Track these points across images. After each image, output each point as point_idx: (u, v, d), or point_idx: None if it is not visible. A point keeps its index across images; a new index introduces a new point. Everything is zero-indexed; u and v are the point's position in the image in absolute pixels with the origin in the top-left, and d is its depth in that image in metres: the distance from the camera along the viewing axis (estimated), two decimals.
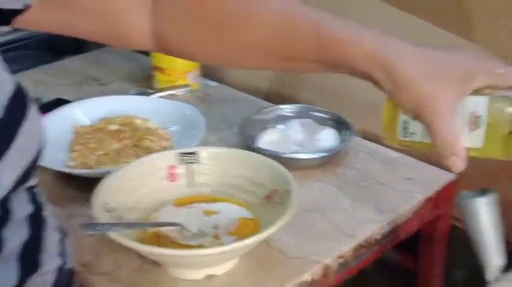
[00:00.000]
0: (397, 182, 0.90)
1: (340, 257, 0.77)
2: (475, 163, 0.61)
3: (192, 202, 0.78)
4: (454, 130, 0.59)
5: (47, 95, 1.11)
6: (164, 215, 0.75)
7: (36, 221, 0.54)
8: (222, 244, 0.69)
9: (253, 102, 1.12)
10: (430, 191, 0.89)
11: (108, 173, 0.76)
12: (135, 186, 0.76)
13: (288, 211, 0.69)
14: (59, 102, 1.05)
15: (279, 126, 0.98)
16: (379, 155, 0.97)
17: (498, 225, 0.65)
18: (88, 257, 0.75)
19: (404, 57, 0.58)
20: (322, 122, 0.99)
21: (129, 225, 0.71)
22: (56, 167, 0.86)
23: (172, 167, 0.79)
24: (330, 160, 0.93)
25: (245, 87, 1.18)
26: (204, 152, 0.80)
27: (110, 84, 1.20)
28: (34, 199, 0.54)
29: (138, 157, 0.84)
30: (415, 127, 0.63)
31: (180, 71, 1.12)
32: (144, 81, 1.19)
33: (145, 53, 1.21)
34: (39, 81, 1.21)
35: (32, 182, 0.53)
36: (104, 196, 0.71)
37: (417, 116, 0.60)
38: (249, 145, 0.93)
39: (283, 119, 1.00)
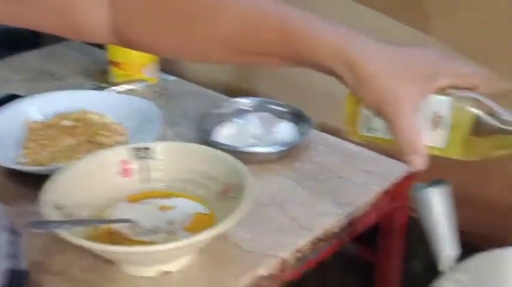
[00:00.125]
0: (355, 175, 0.90)
1: (298, 250, 0.77)
2: (433, 155, 0.61)
3: (146, 198, 0.76)
4: (415, 129, 0.59)
5: (1, 91, 1.08)
6: (117, 212, 0.74)
7: None
8: (176, 240, 0.68)
9: (212, 96, 1.11)
10: (388, 183, 0.89)
11: (58, 169, 0.74)
12: (87, 182, 0.75)
13: (243, 206, 0.68)
14: (12, 98, 1.02)
15: (236, 120, 0.97)
16: (337, 148, 0.96)
17: (451, 215, 0.65)
18: (39, 256, 0.73)
19: (368, 53, 0.58)
20: (280, 115, 0.98)
21: (80, 222, 0.70)
22: (5, 164, 0.83)
23: (125, 162, 0.78)
24: (288, 153, 0.93)
25: (204, 82, 1.17)
26: (158, 147, 0.79)
27: (66, 79, 1.18)
28: None
29: (92, 153, 0.82)
30: (377, 123, 0.63)
31: (137, 65, 1.11)
32: (101, 76, 1.16)
33: (102, 47, 1.19)
34: None
35: None
36: (53, 192, 0.70)
37: (379, 113, 0.60)
38: (206, 140, 0.92)
39: (241, 112, 0.99)
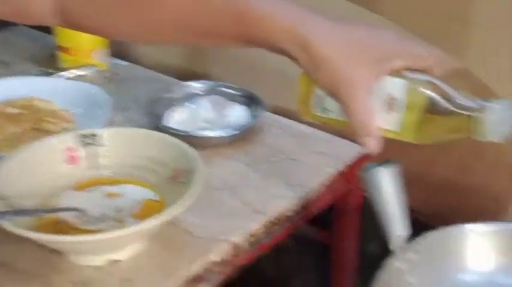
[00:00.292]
0: (309, 157, 0.89)
1: (251, 235, 0.76)
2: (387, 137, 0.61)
3: (93, 185, 0.75)
4: (369, 111, 0.59)
5: None
6: (64, 200, 0.72)
7: None
8: (124, 227, 0.67)
9: (164, 80, 1.08)
10: (342, 165, 0.88)
11: (1, 158, 0.71)
12: (32, 171, 0.73)
13: (192, 191, 0.67)
14: None
15: (187, 104, 0.96)
16: (291, 130, 0.96)
17: (401, 195, 0.65)
18: None
19: (323, 34, 0.57)
20: (232, 98, 0.97)
21: (24, 212, 0.68)
22: None
23: (71, 149, 0.76)
24: (241, 136, 0.91)
25: (156, 66, 1.14)
26: (106, 133, 0.77)
27: (12, 66, 1.14)
28: None
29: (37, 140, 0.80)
30: (331, 104, 0.62)
31: (86, 50, 1.08)
32: (49, 62, 1.13)
33: (51, 33, 1.16)
34: None
35: None
36: None
37: (333, 94, 0.59)
38: (157, 125, 0.90)
39: (192, 97, 0.97)
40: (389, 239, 0.66)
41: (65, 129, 0.87)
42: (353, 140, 0.63)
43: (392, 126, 0.61)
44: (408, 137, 0.61)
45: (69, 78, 1.04)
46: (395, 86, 0.60)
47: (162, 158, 0.75)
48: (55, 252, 0.69)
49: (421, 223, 0.73)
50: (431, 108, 0.59)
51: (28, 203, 0.70)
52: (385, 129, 0.61)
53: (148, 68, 1.14)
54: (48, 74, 1.05)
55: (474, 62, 0.80)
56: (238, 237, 0.75)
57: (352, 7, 0.92)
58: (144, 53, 1.19)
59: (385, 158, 0.65)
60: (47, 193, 0.73)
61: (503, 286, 0.68)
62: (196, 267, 0.70)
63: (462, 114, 0.58)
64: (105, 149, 0.77)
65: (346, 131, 0.62)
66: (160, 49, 1.14)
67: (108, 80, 1.08)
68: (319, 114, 0.64)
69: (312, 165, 0.88)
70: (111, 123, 0.90)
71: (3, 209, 0.66)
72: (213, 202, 0.79)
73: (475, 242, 0.69)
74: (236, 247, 0.74)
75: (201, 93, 0.98)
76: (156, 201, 0.73)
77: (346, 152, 0.90)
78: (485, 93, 0.78)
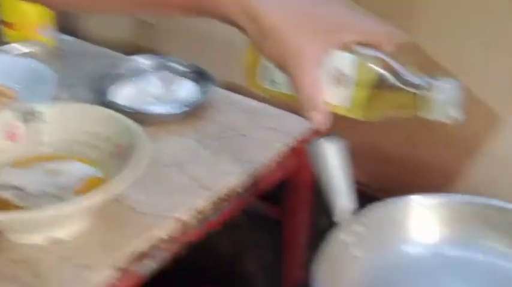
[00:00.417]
0: (259, 132, 0.88)
1: (199, 211, 0.75)
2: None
3: (33, 162, 0.72)
4: (317, 84, 0.58)
5: None
6: (2, 178, 0.70)
7: None
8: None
9: (111, 56, 1.06)
10: (292, 140, 0.88)
11: None
12: None
13: (133, 167, 0.66)
14: None
15: (135, 80, 0.94)
16: (241, 106, 0.94)
17: (347, 168, 0.64)
18: None
19: (272, 5, 0.56)
20: (181, 74, 0.95)
21: None
22: None
23: (11, 125, 0.73)
24: (191, 113, 0.90)
25: (103, 42, 1.12)
26: (47, 109, 0.75)
27: None
28: None
29: None
30: (280, 77, 0.61)
31: (31, 25, 1.04)
32: None
33: None
34: None
35: None
36: None
37: (281, 67, 0.58)
38: (103, 101, 0.88)
39: (140, 72, 0.95)
40: (335, 213, 0.66)
41: (7, 106, 0.84)
42: (303, 115, 0.62)
43: (341, 101, 0.60)
44: (356, 114, 0.61)
45: (13, 55, 1.01)
46: (344, 61, 0.59)
47: (105, 134, 0.73)
48: None
49: (370, 196, 0.73)
50: (380, 85, 0.59)
51: None
52: (333, 105, 0.60)
53: (96, 44, 1.11)
54: None
55: (425, 39, 0.80)
56: (186, 214, 0.73)
57: None
58: (91, 29, 1.17)
59: (336, 132, 0.65)
60: None
61: (447, 257, 0.68)
62: (140, 244, 0.69)
63: (410, 91, 0.58)
64: (46, 125, 0.74)
65: (295, 106, 0.61)
66: (107, 24, 1.11)
67: (53, 56, 1.05)
68: (267, 87, 0.64)
69: (262, 141, 0.87)
70: (56, 100, 0.88)
71: None
72: (160, 179, 0.78)
73: (420, 214, 0.69)
74: (183, 224, 0.73)
75: (149, 68, 0.96)
76: (99, 178, 0.72)
77: (297, 127, 0.89)
78: (435, 70, 0.78)
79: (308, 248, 1.01)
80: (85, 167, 0.72)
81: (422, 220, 0.69)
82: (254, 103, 0.94)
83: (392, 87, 0.59)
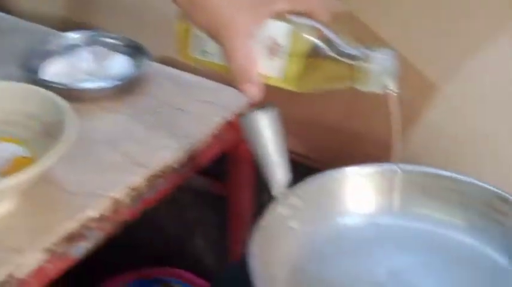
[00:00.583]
0: (196, 106, 0.87)
1: (133, 189, 0.73)
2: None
3: None
4: (250, 56, 0.56)
5: None
6: None
7: None
8: None
9: (42, 32, 1.02)
10: (230, 114, 0.86)
11: None
12: None
13: (60, 145, 0.63)
14: None
15: (66, 55, 0.90)
16: (177, 80, 0.92)
17: (280, 140, 0.63)
18: None
19: None
20: (114, 48, 0.92)
21: None
22: None
23: None
24: (124, 88, 0.87)
25: (33, 17, 1.07)
26: None
27: None
28: None
29: None
30: (211, 47, 0.59)
31: None
32: None
33: None
34: None
35: None
36: None
37: (212, 36, 0.57)
38: (34, 78, 0.85)
39: (71, 48, 0.92)
40: (271, 186, 0.64)
41: None
42: (236, 87, 0.61)
43: (275, 72, 0.59)
44: (290, 85, 0.59)
45: None
46: (278, 31, 0.58)
47: (32, 112, 0.70)
48: None
49: (310, 168, 0.72)
50: (315, 56, 0.57)
51: None
52: (267, 76, 0.59)
53: (25, 19, 1.06)
54: None
55: (361, 8, 0.79)
56: (118, 192, 0.71)
57: None
58: (23, 4, 1.12)
59: (269, 104, 0.64)
60: None
61: (385, 227, 0.68)
62: (71, 224, 0.66)
63: (346, 62, 0.57)
64: None
65: (228, 77, 0.59)
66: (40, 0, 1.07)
67: None
68: (198, 57, 0.62)
69: (199, 115, 0.85)
70: None
71: None
72: (92, 157, 0.75)
73: (357, 185, 0.69)
74: (116, 202, 0.71)
75: (80, 44, 0.93)
76: (27, 157, 0.69)
77: (234, 100, 0.88)
78: (371, 40, 0.77)
79: (252, 224, 1.00)
80: (12, 147, 0.70)
81: (359, 191, 0.69)
82: (190, 77, 0.92)
83: (327, 58, 0.58)
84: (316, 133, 0.87)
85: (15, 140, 0.70)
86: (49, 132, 0.69)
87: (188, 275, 1.18)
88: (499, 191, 0.65)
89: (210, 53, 0.61)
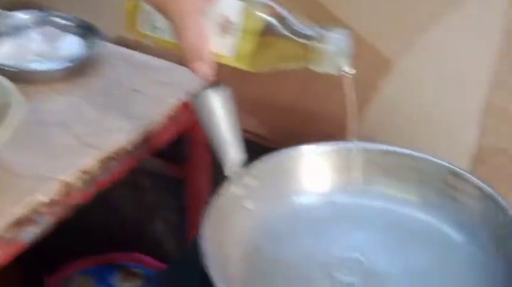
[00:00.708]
0: (151, 87, 0.85)
1: (84, 172, 0.71)
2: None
3: None
4: (201, 34, 0.55)
5: None
6: None
7: None
8: None
9: None
10: (186, 94, 0.85)
11: None
12: None
13: (4, 128, 0.61)
14: None
15: (14, 36, 0.87)
16: (132, 60, 0.90)
17: (233, 119, 0.62)
18: None
19: None
20: (65, 29, 0.89)
21: None
22: None
23: None
24: (77, 69, 0.85)
25: None
26: None
27: None
28: None
29: None
30: (162, 22, 0.57)
31: None
32: None
33: None
34: None
35: None
36: None
37: (161, 11, 0.55)
38: None
39: (19, 28, 0.89)
40: (225, 166, 0.63)
41: None
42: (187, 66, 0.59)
43: (227, 51, 0.57)
44: (243, 63, 0.58)
45: None
46: (230, 8, 0.56)
47: None
48: None
49: (267, 148, 0.71)
50: (268, 34, 0.56)
51: None
52: (219, 55, 0.58)
53: None
54: None
55: None
56: (70, 175, 0.69)
57: None
58: None
59: (221, 83, 0.62)
60: None
61: (340, 205, 0.68)
62: (20, 209, 0.64)
63: (300, 42, 0.56)
64: None
65: (179, 54, 0.58)
66: None
67: None
68: (148, 33, 0.60)
69: (154, 96, 0.83)
70: None
71: None
72: (43, 140, 0.73)
73: (313, 164, 0.68)
74: (67, 186, 0.69)
75: (30, 24, 0.90)
76: None
77: (190, 81, 0.86)
78: (326, 19, 0.77)
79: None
80: None
81: (315, 169, 0.68)
82: (146, 58, 0.90)
83: (281, 37, 0.56)
84: (270, 113, 0.87)
85: None
86: None
87: (148, 259, 1.16)
88: (454, 167, 0.65)
89: (160, 28, 0.59)
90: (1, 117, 0.65)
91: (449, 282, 0.61)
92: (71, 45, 0.87)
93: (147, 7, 0.59)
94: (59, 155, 0.71)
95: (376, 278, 0.60)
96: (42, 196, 0.66)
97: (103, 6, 0.97)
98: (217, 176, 0.95)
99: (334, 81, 0.59)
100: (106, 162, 0.73)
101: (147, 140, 0.79)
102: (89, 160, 0.72)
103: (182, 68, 0.88)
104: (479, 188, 0.63)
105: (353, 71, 0.57)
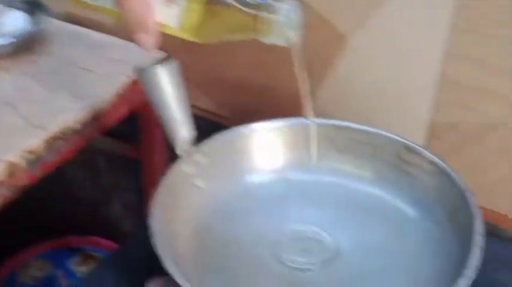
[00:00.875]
0: (101, 65, 0.82)
1: (30, 152, 0.68)
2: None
3: None
4: (145, 2, 0.52)
5: None
6: None
7: None
8: None
9: None
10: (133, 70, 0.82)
11: None
12: None
13: None
14: None
15: None
16: (83, 38, 0.87)
17: (182, 95, 0.60)
18: None
19: None
20: (9, 4, 0.86)
21: None
22: None
23: None
24: (23, 46, 0.82)
25: None
26: None
27: None
28: None
29: None
30: None
31: None
32: None
33: None
34: None
35: None
36: None
37: None
38: None
39: None
40: (174, 144, 0.61)
41: None
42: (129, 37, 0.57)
43: (172, 21, 0.55)
44: (189, 34, 0.56)
45: None
46: None
47: None
48: None
49: (218, 126, 0.70)
50: (215, 3, 0.54)
51: None
52: (164, 25, 0.55)
53: None
54: None
55: None
56: (14, 155, 0.67)
57: None
58: None
59: (168, 56, 0.60)
60: None
61: (293, 182, 0.66)
62: None
63: (248, 12, 0.54)
64: None
65: (121, 25, 0.55)
66: None
67: None
68: (88, 1, 0.57)
69: (105, 74, 0.81)
70: None
71: None
72: None
73: (264, 141, 0.67)
74: (11, 166, 0.66)
75: None
76: None
77: (141, 58, 0.83)
78: None
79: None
80: None
81: (267, 147, 0.67)
82: (96, 34, 0.87)
83: (228, 7, 0.54)
84: (221, 88, 0.84)
85: None
86: None
87: (106, 242, 1.14)
88: (407, 142, 0.64)
89: None
90: None
91: (404, 258, 0.60)
92: (16, 21, 0.83)
93: None
94: (4, 135, 0.69)
95: (330, 254, 0.60)
96: None
97: None
98: (174, 155, 0.94)
99: (287, 55, 0.57)
100: (52, 142, 0.71)
101: (96, 119, 0.76)
102: (35, 140, 0.69)
103: (133, 45, 0.86)
104: (433, 163, 0.62)
105: (302, 42, 0.55)
